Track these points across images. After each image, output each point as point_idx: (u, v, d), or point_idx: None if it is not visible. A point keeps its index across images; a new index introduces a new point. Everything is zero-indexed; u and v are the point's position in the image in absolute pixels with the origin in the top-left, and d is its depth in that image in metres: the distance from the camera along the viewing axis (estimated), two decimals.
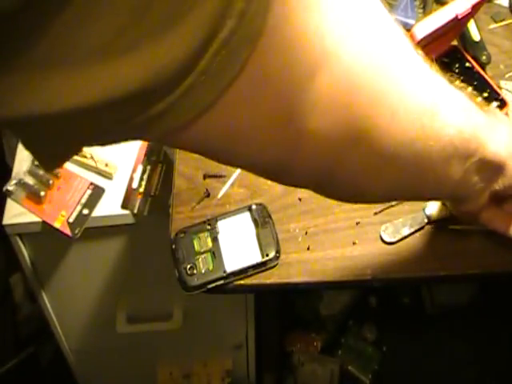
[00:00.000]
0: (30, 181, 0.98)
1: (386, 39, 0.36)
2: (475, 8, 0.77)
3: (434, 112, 0.40)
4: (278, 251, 0.76)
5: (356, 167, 0.39)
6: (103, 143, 0.28)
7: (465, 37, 0.93)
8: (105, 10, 0.21)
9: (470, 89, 0.86)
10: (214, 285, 0.74)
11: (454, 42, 0.90)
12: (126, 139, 0.28)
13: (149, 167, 1.02)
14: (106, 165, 1.01)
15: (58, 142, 0.27)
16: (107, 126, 0.25)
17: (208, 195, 0.81)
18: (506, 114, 0.87)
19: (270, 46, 0.27)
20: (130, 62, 0.22)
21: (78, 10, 0.20)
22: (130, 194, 0.99)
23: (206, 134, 0.29)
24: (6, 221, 0.97)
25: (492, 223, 0.64)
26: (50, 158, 0.28)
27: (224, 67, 0.25)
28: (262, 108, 0.30)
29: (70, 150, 0.28)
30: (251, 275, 0.75)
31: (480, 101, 0.51)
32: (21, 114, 0.23)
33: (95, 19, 0.21)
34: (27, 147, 0.27)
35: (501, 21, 0.98)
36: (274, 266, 0.76)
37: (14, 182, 0.98)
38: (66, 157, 0.29)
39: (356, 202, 0.53)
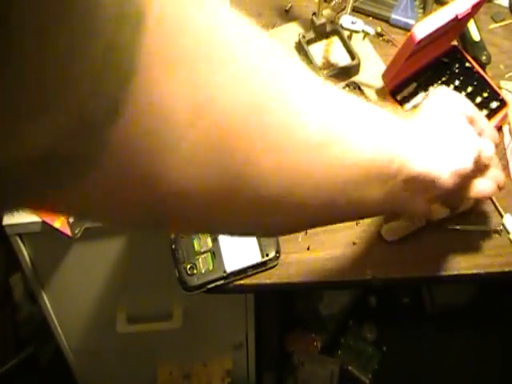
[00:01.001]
0: None
1: (267, 73, 0.33)
2: (475, 8, 0.77)
3: (335, 140, 0.37)
4: (278, 251, 0.76)
5: (244, 212, 0.36)
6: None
7: (465, 37, 0.93)
8: None
9: (469, 89, 0.86)
10: (213, 285, 0.74)
11: (454, 42, 0.90)
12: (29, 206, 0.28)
13: None
14: None
15: None
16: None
17: None
18: (506, 113, 0.87)
19: (133, 120, 0.26)
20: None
21: None
22: None
23: (83, 204, 0.29)
24: (6, 221, 0.97)
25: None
26: None
27: (87, 149, 0.25)
28: (130, 178, 0.29)
29: None
30: (251, 275, 0.75)
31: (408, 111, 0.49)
32: None
33: None
34: None
35: (501, 21, 0.98)
36: (274, 266, 0.76)
37: None
38: None
39: (261, 236, 0.52)
